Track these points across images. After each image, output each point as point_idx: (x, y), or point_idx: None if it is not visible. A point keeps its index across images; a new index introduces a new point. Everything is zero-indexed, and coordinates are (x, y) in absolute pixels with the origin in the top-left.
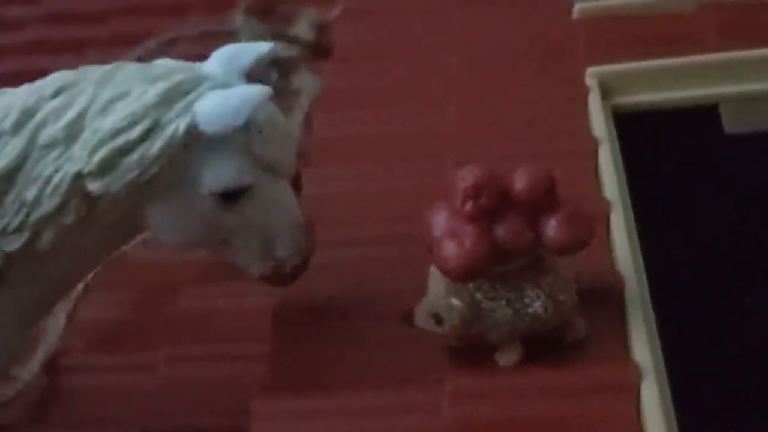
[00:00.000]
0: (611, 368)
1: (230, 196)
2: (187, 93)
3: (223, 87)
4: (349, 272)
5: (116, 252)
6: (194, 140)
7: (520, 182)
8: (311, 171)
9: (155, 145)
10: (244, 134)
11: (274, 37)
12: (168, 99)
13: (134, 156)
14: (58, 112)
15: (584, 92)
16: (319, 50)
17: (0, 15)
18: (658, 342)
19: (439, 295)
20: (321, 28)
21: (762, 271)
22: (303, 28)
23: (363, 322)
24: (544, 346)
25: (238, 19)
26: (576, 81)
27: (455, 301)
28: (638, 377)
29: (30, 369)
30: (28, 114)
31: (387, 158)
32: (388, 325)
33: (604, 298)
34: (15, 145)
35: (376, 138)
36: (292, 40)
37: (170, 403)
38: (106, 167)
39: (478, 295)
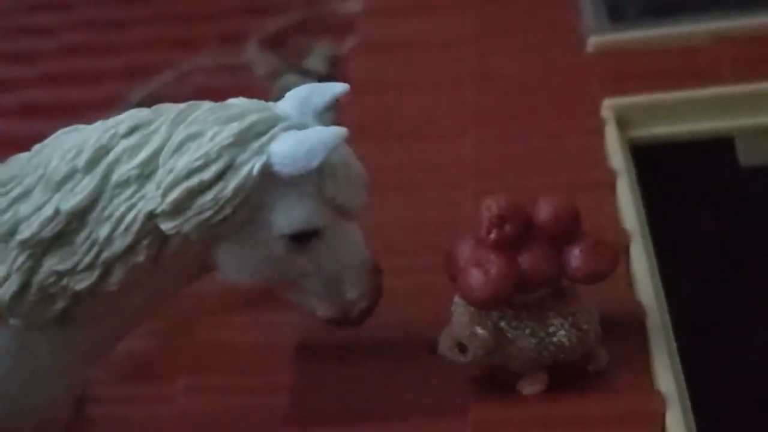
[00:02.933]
0: (636, 398)
1: (301, 238)
2: (261, 134)
3: (298, 128)
4: None
5: (182, 291)
6: (267, 181)
7: (544, 212)
8: None
9: (229, 186)
10: (317, 176)
11: (288, 69)
12: (242, 139)
13: (208, 196)
14: (132, 151)
15: (600, 125)
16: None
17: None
18: (681, 371)
19: (463, 324)
20: (334, 61)
21: None
22: (316, 61)
23: (386, 352)
24: (568, 376)
25: (251, 51)
26: (592, 113)
27: (479, 330)
28: (663, 407)
29: None
30: (101, 152)
31: (404, 189)
32: (412, 355)
33: (625, 329)
34: (88, 184)
35: (393, 170)
36: (306, 73)
37: None
38: (179, 207)
39: (502, 324)
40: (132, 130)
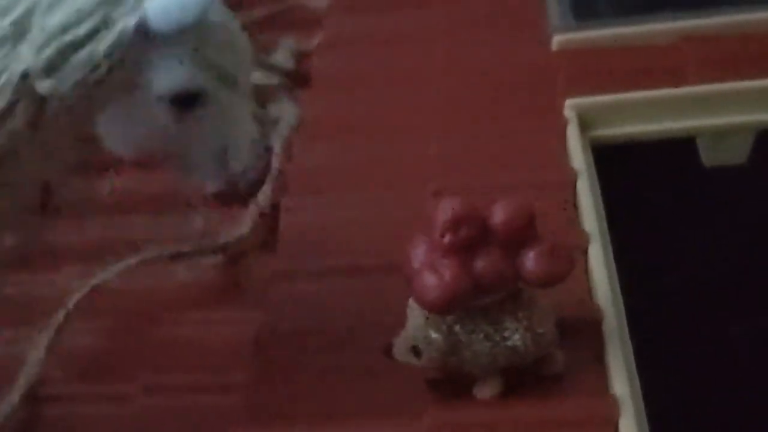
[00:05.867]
0: (590, 402)
1: (182, 103)
2: None
3: None
4: (328, 303)
5: (69, 167)
6: (144, 39)
7: (499, 215)
8: (290, 200)
9: (104, 43)
10: (195, 36)
11: (254, 64)
12: None
13: (82, 53)
14: (5, 10)
15: (563, 124)
16: (298, 78)
17: None
18: (636, 375)
19: (418, 328)
20: (300, 57)
21: (740, 302)
22: (282, 57)
23: (342, 354)
24: (523, 379)
25: None
26: (555, 113)
27: (434, 334)
28: (616, 411)
29: (10, 400)
30: None
31: (366, 188)
32: (367, 357)
33: (582, 331)
34: None
35: (355, 167)
36: (272, 69)
37: None
38: (53, 65)
39: (457, 328)
40: None
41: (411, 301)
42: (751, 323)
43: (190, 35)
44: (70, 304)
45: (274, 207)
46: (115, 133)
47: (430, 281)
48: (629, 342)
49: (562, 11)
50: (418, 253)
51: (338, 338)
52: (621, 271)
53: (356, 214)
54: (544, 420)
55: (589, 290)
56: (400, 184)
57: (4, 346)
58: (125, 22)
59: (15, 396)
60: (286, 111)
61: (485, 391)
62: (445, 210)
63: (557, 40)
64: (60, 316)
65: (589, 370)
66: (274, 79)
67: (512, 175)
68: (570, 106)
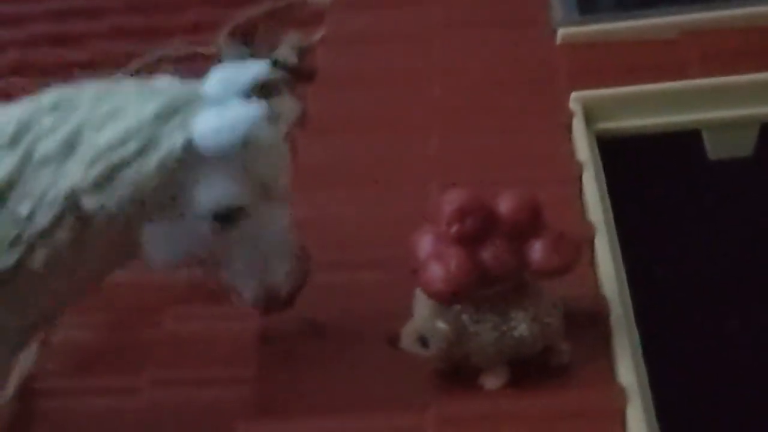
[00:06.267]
0: (597, 392)
1: (225, 217)
2: (183, 109)
3: (220, 105)
4: (335, 296)
5: (110, 275)
6: (190, 157)
7: (505, 206)
8: (295, 195)
9: (151, 162)
10: (241, 153)
11: (257, 60)
12: (164, 115)
13: (129, 172)
14: (54, 128)
15: (568, 117)
16: (301, 74)
17: None
18: (643, 365)
19: (425, 318)
20: (304, 52)
21: (744, 293)
22: (285, 52)
23: (349, 346)
24: (529, 370)
25: (221, 42)
26: (560, 106)
27: (441, 324)
28: (624, 401)
29: (4, 395)
30: (24, 129)
31: (371, 183)
32: (375, 348)
33: (589, 322)
34: (10, 160)
35: (360, 163)
36: (275, 64)
37: (154, 427)
38: (101, 183)
39: (464, 318)
40: (54, 107)
41: (418, 291)
42: (757, 314)
43: (236, 153)
44: None
45: None
46: (156, 243)
47: (436, 271)
48: (636, 332)
49: (566, 5)
50: (425, 244)
51: (344, 330)
52: (627, 263)
53: (361, 208)
54: (551, 411)
55: (595, 281)
56: (404, 179)
57: None
58: (173, 141)
59: (10, 389)
60: (286, 106)
61: (492, 381)
62: (452, 201)
63: (562, 34)
64: None
65: (595, 360)
66: (277, 75)
67: (518, 169)
68: (575, 100)
